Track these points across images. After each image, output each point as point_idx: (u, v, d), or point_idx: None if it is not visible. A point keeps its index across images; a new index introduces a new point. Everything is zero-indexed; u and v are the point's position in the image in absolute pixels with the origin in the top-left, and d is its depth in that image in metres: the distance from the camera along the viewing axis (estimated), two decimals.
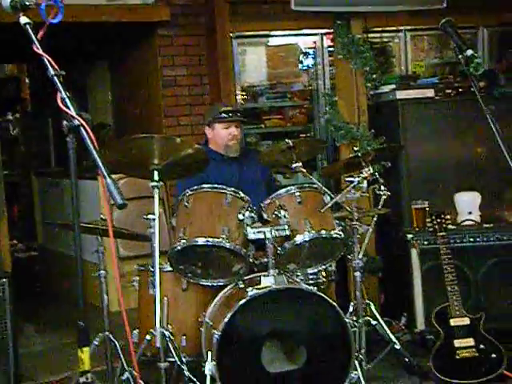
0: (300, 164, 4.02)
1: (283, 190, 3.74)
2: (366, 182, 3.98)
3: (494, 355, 3.97)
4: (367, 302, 4.12)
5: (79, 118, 1.99)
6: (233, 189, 3.63)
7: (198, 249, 3.63)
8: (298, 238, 3.61)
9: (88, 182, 5.74)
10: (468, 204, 4.74)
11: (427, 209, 4.65)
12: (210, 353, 3.43)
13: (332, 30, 5.25)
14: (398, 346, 4.11)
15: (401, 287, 4.73)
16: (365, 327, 3.95)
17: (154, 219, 3.46)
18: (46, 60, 2.03)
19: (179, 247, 3.55)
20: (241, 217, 3.59)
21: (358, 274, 3.95)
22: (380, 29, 6.09)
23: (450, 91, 5.05)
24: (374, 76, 5.10)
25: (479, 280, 4.49)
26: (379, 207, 4.21)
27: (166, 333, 3.59)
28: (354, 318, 3.99)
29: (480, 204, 4.73)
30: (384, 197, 4.13)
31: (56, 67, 2.04)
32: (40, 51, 2.04)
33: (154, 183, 3.49)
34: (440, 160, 5.02)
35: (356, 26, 5.11)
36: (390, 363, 4.27)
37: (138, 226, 3.92)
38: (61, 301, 6.30)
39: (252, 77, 6.51)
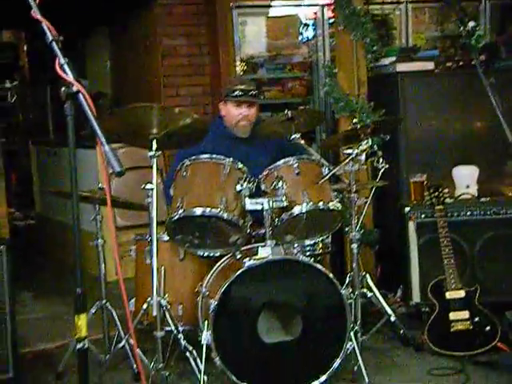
0: (299, 135, 4.01)
1: (281, 161, 3.73)
2: (364, 154, 3.96)
3: (488, 328, 4.00)
4: (363, 273, 4.14)
5: (77, 84, 1.98)
6: (231, 159, 3.62)
7: (195, 219, 3.63)
8: (296, 210, 3.61)
9: (86, 151, 5.72)
10: (466, 178, 4.73)
11: (425, 182, 4.65)
12: (206, 322, 3.45)
13: (333, 1, 5.20)
14: (393, 318, 4.13)
15: (397, 260, 4.75)
16: (361, 299, 3.97)
17: (151, 189, 3.46)
18: (44, 25, 2.01)
19: (176, 217, 3.55)
20: (239, 188, 3.59)
21: (354, 246, 3.95)
22: (381, 0, 6.05)
23: (450, 64, 5.01)
24: (375, 48, 5.06)
25: (475, 253, 4.50)
26: (377, 180, 4.21)
27: (163, 302, 3.61)
28: (350, 290, 4.00)
29: (478, 178, 4.73)
30: (382, 169, 4.13)
31: (55, 32, 2.02)
32: (38, 16, 2.02)
33: (152, 153, 3.48)
34: (439, 133, 5.01)
35: None
36: (386, 335, 4.31)
37: (136, 196, 3.92)
38: (58, 269, 6.32)
39: (252, 48, 6.48)
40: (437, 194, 4.26)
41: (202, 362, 3.48)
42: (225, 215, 3.52)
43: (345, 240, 4.75)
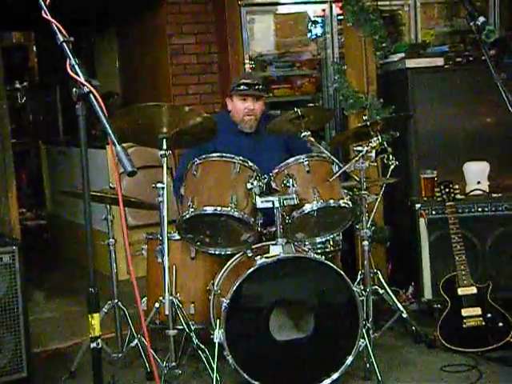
0: (309, 133, 4.00)
1: (292, 159, 3.73)
2: (374, 151, 3.96)
3: (500, 324, 3.99)
4: (375, 271, 4.14)
5: (88, 85, 1.99)
6: (241, 158, 3.62)
7: (206, 218, 3.64)
8: (307, 207, 3.61)
9: (96, 151, 5.74)
10: (477, 174, 4.71)
11: (436, 178, 4.63)
12: (218, 321, 3.46)
13: None
14: (405, 315, 4.13)
15: (408, 257, 4.74)
16: (372, 296, 3.97)
17: (162, 188, 3.47)
18: (54, 26, 2.02)
19: (187, 216, 3.56)
20: (249, 186, 3.59)
21: (365, 243, 3.95)
22: None
23: (460, 60, 4.99)
24: (384, 44, 5.05)
25: (487, 249, 4.48)
26: (387, 177, 4.20)
27: (175, 301, 3.62)
28: (362, 287, 4.00)
29: (489, 174, 4.71)
30: (392, 166, 4.12)
31: (65, 33, 2.03)
32: (49, 17, 2.02)
33: (163, 152, 3.49)
34: (449, 129, 4.99)
35: None
36: (397, 332, 4.30)
37: (147, 195, 3.93)
38: (70, 269, 6.35)
39: (260, 46, 6.47)
40: (448, 190, 4.25)
41: (214, 360, 3.48)
42: (236, 213, 3.53)
43: (356, 237, 4.74)
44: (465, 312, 4.03)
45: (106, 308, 3.90)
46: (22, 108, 10.10)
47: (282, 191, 3.65)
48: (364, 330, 3.60)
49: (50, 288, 5.80)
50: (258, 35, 6.48)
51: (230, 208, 3.52)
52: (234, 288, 3.39)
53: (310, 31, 6.56)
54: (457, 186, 4.30)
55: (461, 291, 4.05)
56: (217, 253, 3.79)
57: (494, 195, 4.61)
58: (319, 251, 3.95)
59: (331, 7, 6.16)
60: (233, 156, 3.62)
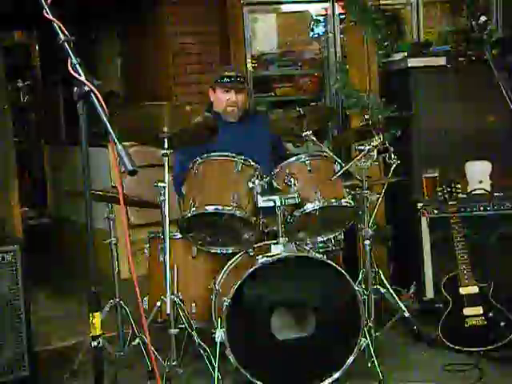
0: (310, 132, 4.01)
1: (294, 158, 3.74)
2: (376, 150, 3.96)
3: (502, 323, 3.99)
4: (376, 270, 4.13)
5: (89, 84, 1.99)
6: (242, 156, 3.63)
7: (207, 217, 3.64)
8: (308, 206, 3.61)
9: (98, 150, 5.74)
10: (479, 173, 4.71)
11: (438, 178, 4.63)
12: (219, 320, 3.46)
13: None
14: (406, 314, 4.12)
15: (410, 256, 4.74)
16: (374, 295, 3.97)
17: (164, 187, 3.47)
18: (56, 25, 2.03)
19: (189, 215, 3.56)
20: (251, 185, 3.60)
21: (367, 242, 3.95)
22: None
23: (462, 59, 4.99)
24: (386, 44, 5.05)
25: (489, 249, 4.48)
26: (389, 176, 4.20)
27: (177, 300, 3.62)
28: (363, 287, 4.00)
29: (491, 173, 4.71)
30: (394, 165, 4.12)
31: (66, 33, 2.03)
32: (50, 17, 2.03)
33: (164, 151, 3.50)
34: (451, 129, 4.99)
35: None
36: (399, 331, 4.30)
37: (148, 194, 3.93)
38: (72, 268, 6.34)
39: (263, 45, 6.47)
40: (449, 189, 4.25)
41: (215, 359, 3.48)
42: (237, 213, 3.53)
43: (357, 236, 4.74)
44: (467, 311, 4.03)
45: (107, 307, 3.90)
46: (25, 107, 10.11)
47: (284, 190, 3.65)
48: (366, 330, 3.60)
49: (53, 287, 5.80)
50: (260, 34, 6.48)
51: (231, 207, 3.52)
52: (236, 287, 3.39)
53: (312, 30, 6.56)
54: (459, 186, 4.29)
55: (463, 290, 4.05)
56: (218, 252, 3.80)
57: (496, 194, 4.61)
58: (321, 250, 3.95)
59: (333, 6, 6.15)
60: (234, 155, 3.63)
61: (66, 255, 6.89)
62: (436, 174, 4.66)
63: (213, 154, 3.67)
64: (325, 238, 3.92)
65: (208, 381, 3.59)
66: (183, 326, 3.65)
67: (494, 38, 3.09)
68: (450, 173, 4.65)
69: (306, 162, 3.70)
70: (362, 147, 3.81)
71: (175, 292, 3.71)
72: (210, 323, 3.74)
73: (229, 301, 3.38)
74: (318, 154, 3.83)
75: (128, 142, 3.93)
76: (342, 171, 3.73)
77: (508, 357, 3.87)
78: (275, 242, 3.57)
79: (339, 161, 3.82)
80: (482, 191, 4.64)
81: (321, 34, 6.43)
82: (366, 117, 4.67)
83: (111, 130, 1.95)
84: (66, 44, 2.03)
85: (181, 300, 3.67)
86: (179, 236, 3.82)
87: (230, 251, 3.78)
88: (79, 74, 2.01)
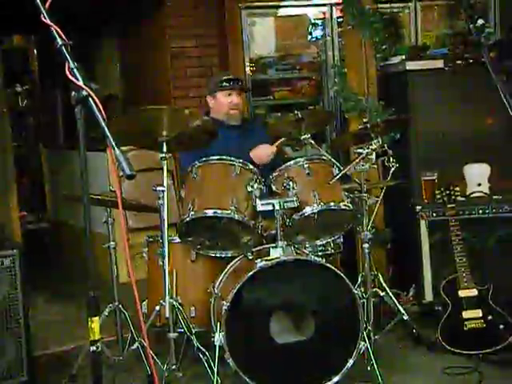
0: (309, 136, 4.01)
1: (292, 161, 3.74)
2: (374, 153, 3.97)
3: (501, 326, 3.99)
4: (375, 273, 4.13)
5: (87, 88, 1.99)
6: (241, 160, 3.63)
7: (206, 221, 3.64)
8: (307, 210, 3.62)
9: (97, 154, 5.74)
10: (477, 176, 4.72)
11: (436, 181, 4.63)
12: (218, 323, 3.45)
13: (341, 1, 5.20)
14: (406, 317, 4.13)
15: (409, 259, 4.74)
16: (373, 299, 3.97)
17: (162, 191, 3.47)
18: (53, 30, 2.02)
19: (188, 219, 3.56)
20: (249, 188, 3.60)
21: (366, 245, 3.95)
22: None
23: (460, 62, 4.99)
24: (384, 47, 5.06)
25: (488, 252, 4.49)
26: (388, 179, 4.21)
27: (176, 303, 3.62)
28: (363, 290, 4.00)
29: (489, 176, 4.71)
30: (393, 168, 4.13)
31: (64, 37, 2.03)
32: (48, 21, 2.03)
33: (163, 155, 3.50)
34: (449, 131, 4.99)
35: None
36: (398, 334, 4.29)
37: (147, 198, 3.93)
38: (71, 272, 6.34)
39: (261, 48, 6.48)
40: (448, 192, 4.25)
41: (215, 363, 3.48)
42: (236, 216, 3.53)
43: (356, 240, 4.74)
44: (466, 314, 4.03)
45: (106, 311, 3.89)
46: (23, 111, 10.11)
47: (283, 194, 3.65)
48: (365, 333, 3.60)
49: (51, 291, 5.79)
50: (258, 38, 6.49)
51: (230, 211, 3.52)
52: (235, 291, 3.39)
53: (311, 34, 6.56)
54: (457, 189, 4.30)
55: (462, 293, 4.05)
56: (217, 256, 3.80)
57: (495, 197, 4.61)
58: (320, 254, 3.95)
59: (331, 10, 6.16)
60: (233, 159, 3.63)
61: (65, 259, 6.88)
62: (435, 177, 4.66)
63: (211, 157, 3.67)
64: (324, 242, 3.92)
65: None
66: (182, 329, 3.65)
67: (491, 41, 3.09)
68: (449, 176, 4.66)
69: (305, 166, 3.70)
70: (361, 150, 3.81)
71: (174, 296, 3.71)
72: (209, 327, 3.74)
73: (228, 304, 3.38)
74: (317, 157, 3.83)
75: (127, 145, 3.93)
76: (340, 174, 3.73)
77: (507, 360, 3.86)
78: (274, 245, 3.57)
79: (338, 164, 3.82)
80: (481, 194, 4.65)
81: (319, 37, 6.44)
82: (365, 120, 4.68)
83: (109, 135, 1.95)
84: (63, 48, 2.03)
85: (180, 304, 3.67)
86: (178, 240, 3.82)
87: (229, 255, 3.78)
88: (77, 79, 2.01)
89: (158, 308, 3.69)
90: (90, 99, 1.99)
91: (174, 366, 3.56)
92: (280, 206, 3.52)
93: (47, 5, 2.05)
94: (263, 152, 4.14)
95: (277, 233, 3.56)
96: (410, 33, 6.20)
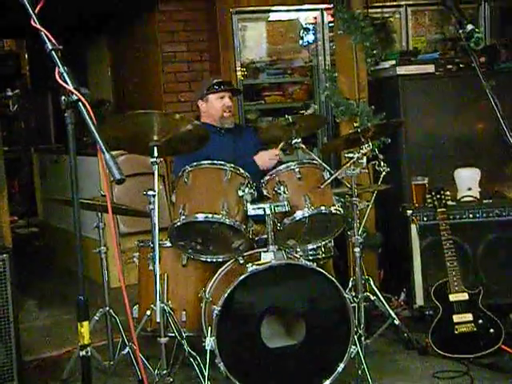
0: (300, 140, 4.02)
1: (283, 165, 3.74)
2: (365, 158, 3.98)
3: (492, 330, 4.00)
4: (366, 277, 4.14)
5: (77, 93, 1.98)
6: (232, 165, 3.63)
7: (197, 225, 3.64)
8: (298, 214, 3.62)
9: (88, 159, 5.74)
10: (468, 180, 4.73)
11: (427, 185, 4.65)
12: (209, 328, 3.45)
13: (332, 5, 5.21)
14: (397, 322, 4.13)
15: (400, 263, 4.75)
16: (364, 303, 3.97)
17: (153, 195, 3.47)
18: (43, 34, 2.02)
19: (179, 223, 3.56)
20: (240, 193, 3.59)
21: (357, 249, 3.95)
22: (380, 4, 6.06)
23: (450, 67, 5.03)
24: (375, 52, 5.07)
25: (478, 256, 4.50)
26: (379, 183, 4.22)
27: (166, 308, 3.61)
28: (354, 294, 4.01)
29: (480, 180, 4.73)
30: (384, 173, 4.14)
31: (54, 41, 2.03)
32: (37, 25, 2.02)
33: (154, 159, 3.50)
34: (440, 136, 5.02)
35: (356, 1, 5.07)
36: (389, 338, 4.30)
37: (138, 203, 3.92)
38: (62, 277, 6.33)
39: (252, 53, 6.49)
40: (439, 196, 4.26)
41: (205, 367, 3.47)
42: (227, 221, 3.53)
43: (347, 244, 4.74)
44: (456, 318, 4.03)
45: (97, 316, 3.89)
46: (14, 115, 10.09)
47: (274, 198, 3.65)
48: (356, 337, 3.59)
49: (42, 296, 5.77)
50: (249, 42, 6.49)
51: (221, 215, 3.52)
52: (226, 295, 3.38)
53: (302, 38, 6.57)
54: (448, 193, 4.32)
55: (452, 297, 4.06)
56: (208, 260, 3.79)
57: (485, 201, 4.63)
58: (311, 258, 3.96)
59: (323, 14, 6.18)
60: (224, 163, 3.63)
61: (56, 264, 6.87)
62: (425, 181, 4.68)
63: (202, 162, 3.67)
64: (315, 246, 3.92)
65: None
66: (173, 334, 3.64)
67: (480, 46, 3.11)
68: (440, 180, 4.67)
69: (296, 170, 3.70)
70: (352, 155, 3.82)
71: (165, 300, 3.71)
72: (200, 331, 3.74)
73: (219, 309, 3.37)
74: (308, 161, 3.83)
75: (118, 150, 3.93)
76: (331, 179, 3.73)
77: (497, 363, 3.87)
78: (265, 249, 3.57)
79: (328, 168, 3.83)
80: (471, 198, 4.66)
81: (310, 42, 6.45)
82: (356, 124, 4.70)
83: (99, 139, 1.95)
84: (53, 53, 2.03)
85: (171, 308, 3.66)
86: (169, 244, 3.81)
87: (220, 259, 3.78)
88: (67, 83, 2.01)
89: (148, 312, 3.69)
90: (80, 104, 1.99)
91: (164, 371, 3.55)
92: (271, 210, 3.52)
93: (37, 8, 2.05)
94: (268, 156, 4.15)
95: (268, 237, 3.56)
96: (400, 37, 6.22)
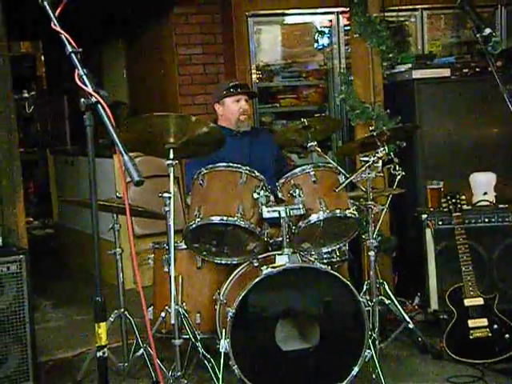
0: (315, 143, 4.02)
1: (298, 169, 3.74)
2: (380, 161, 3.97)
3: (507, 335, 3.98)
4: (381, 281, 4.13)
5: (96, 95, 2.00)
6: (247, 168, 3.64)
7: (212, 227, 3.65)
8: (313, 217, 3.62)
9: (103, 160, 5.76)
10: (483, 184, 4.70)
11: (442, 189, 4.63)
12: (224, 330, 3.46)
13: (348, 9, 5.21)
14: (411, 326, 4.12)
15: (415, 267, 4.73)
16: (378, 307, 3.96)
17: (169, 197, 3.48)
18: (63, 37, 2.04)
19: (194, 225, 3.57)
20: (256, 196, 3.60)
21: (372, 253, 3.95)
22: (397, 7, 6.04)
23: (466, 71, 5.01)
24: (390, 55, 5.06)
25: (494, 260, 4.47)
26: (394, 187, 4.21)
27: (181, 310, 3.62)
28: (368, 298, 4.00)
29: (495, 184, 4.70)
30: (399, 177, 4.12)
31: (74, 44, 2.05)
32: (58, 28, 2.04)
33: (170, 161, 3.51)
34: (455, 140, 5.00)
35: (373, 4, 5.06)
36: (404, 342, 4.29)
37: (154, 205, 3.94)
38: (76, 278, 6.36)
39: (267, 56, 6.50)
40: (454, 200, 4.25)
41: (219, 370, 3.48)
42: (242, 223, 3.53)
43: (362, 247, 4.74)
44: (471, 323, 4.02)
45: (112, 317, 3.90)
46: (30, 117, 10.16)
47: (289, 201, 3.65)
48: (370, 341, 3.59)
49: (57, 297, 5.81)
50: (264, 45, 6.51)
51: (236, 218, 3.52)
52: (240, 298, 3.39)
53: (317, 41, 6.57)
54: (463, 197, 4.30)
55: (467, 302, 4.04)
56: (223, 262, 3.80)
57: (501, 206, 4.60)
58: (325, 261, 3.95)
59: (338, 18, 6.17)
60: (239, 166, 3.64)
61: (71, 265, 6.90)
62: (440, 186, 4.66)
63: (218, 164, 3.67)
64: (329, 249, 3.92)
65: None
66: (188, 336, 3.65)
67: (497, 50, 3.10)
68: (455, 184, 4.65)
69: (311, 173, 3.70)
70: (367, 158, 3.81)
71: (180, 302, 3.72)
72: (215, 334, 3.74)
73: (233, 311, 3.38)
74: (323, 165, 3.83)
75: (134, 152, 3.94)
76: (346, 182, 3.73)
77: None
78: (280, 252, 3.57)
79: (344, 172, 3.82)
80: (487, 203, 4.64)
81: (325, 45, 6.45)
82: (371, 128, 4.69)
83: (118, 141, 1.96)
84: (73, 55, 2.05)
85: (185, 310, 3.67)
86: (184, 246, 3.82)
87: (235, 262, 3.78)
88: (86, 85, 2.02)
89: (163, 314, 3.70)
90: (99, 106, 2.00)
91: (179, 373, 3.56)
92: (286, 213, 3.52)
93: (57, 12, 2.07)
94: None
95: (283, 240, 3.56)
96: (416, 41, 6.21)
